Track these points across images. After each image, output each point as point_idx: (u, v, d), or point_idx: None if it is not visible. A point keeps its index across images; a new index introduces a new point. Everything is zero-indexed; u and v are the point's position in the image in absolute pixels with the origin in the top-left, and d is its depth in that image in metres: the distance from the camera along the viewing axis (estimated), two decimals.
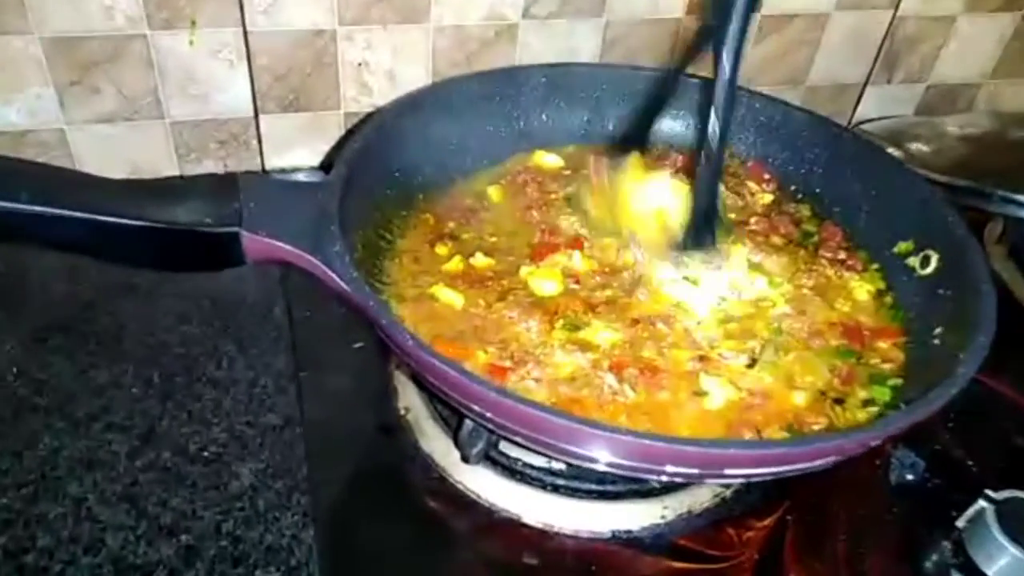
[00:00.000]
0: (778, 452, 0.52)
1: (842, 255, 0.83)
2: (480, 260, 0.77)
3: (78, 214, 0.54)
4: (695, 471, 0.54)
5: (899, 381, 0.69)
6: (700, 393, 0.67)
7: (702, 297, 0.76)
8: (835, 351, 0.73)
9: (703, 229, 0.77)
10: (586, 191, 0.84)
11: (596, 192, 0.83)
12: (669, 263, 0.77)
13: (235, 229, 0.60)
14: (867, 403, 0.68)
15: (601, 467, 0.55)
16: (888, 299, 0.79)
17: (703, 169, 0.74)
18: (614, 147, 0.89)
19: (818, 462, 0.55)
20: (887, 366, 0.71)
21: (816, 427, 0.65)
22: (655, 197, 0.81)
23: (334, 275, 0.59)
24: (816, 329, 0.74)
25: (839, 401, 0.68)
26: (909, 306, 0.76)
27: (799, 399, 0.68)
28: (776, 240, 0.84)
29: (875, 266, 0.82)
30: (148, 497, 0.69)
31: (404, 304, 0.72)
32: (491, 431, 0.61)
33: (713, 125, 0.70)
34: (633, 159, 0.84)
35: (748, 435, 0.61)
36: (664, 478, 0.59)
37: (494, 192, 0.87)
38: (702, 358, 0.70)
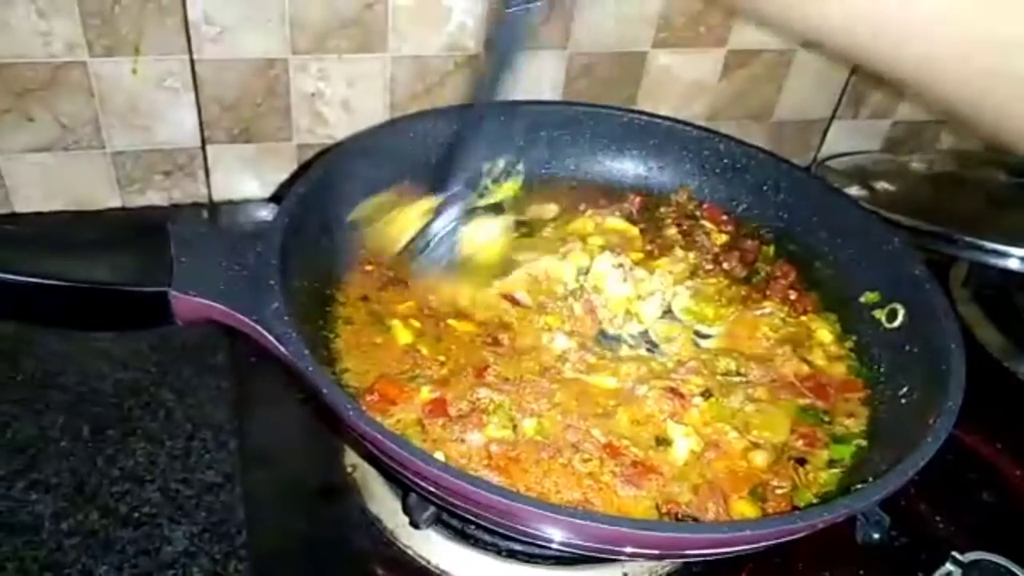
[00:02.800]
0: (741, 535, 0.49)
1: (792, 295, 0.81)
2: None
3: None
4: (655, 552, 0.51)
5: (863, 442, 0.67)
6: (665, 442, 0.65)
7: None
8: (799, 409, 0.70)
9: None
10: None
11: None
12: None
13: (163, 289, 0.55)
14: (831, 463, 0.66)
15: (555, 546, 0.52)
16: (848, 344, 0.77)
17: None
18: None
19: (783, 540, 0.52)
20: (850, 421, 0.69)
21: (780, 491, 0.63)
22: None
23: (273, 339, 0.55)
24: (785, 382, 0.72)
25: (801, 461, 0.66)
26: (878, 360, 0.74)
27: (759, 459, 0.65)
28: (713, 279, 0.83)
29: (832, 316, 0.80)
30: (73, 565, 0.64)
31: (351, 350, 0.69)
32: (438, 506, 0.57)
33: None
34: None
35: (712, 507, 0.58)
36: (623, 559, 0.56)
37: None
38: (672, 391, 0.68)
